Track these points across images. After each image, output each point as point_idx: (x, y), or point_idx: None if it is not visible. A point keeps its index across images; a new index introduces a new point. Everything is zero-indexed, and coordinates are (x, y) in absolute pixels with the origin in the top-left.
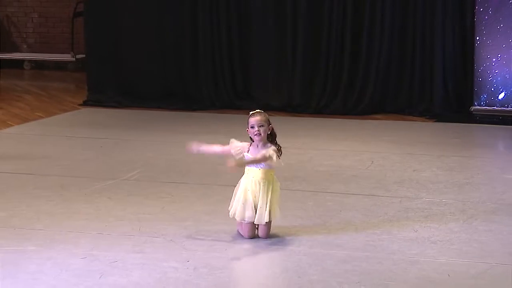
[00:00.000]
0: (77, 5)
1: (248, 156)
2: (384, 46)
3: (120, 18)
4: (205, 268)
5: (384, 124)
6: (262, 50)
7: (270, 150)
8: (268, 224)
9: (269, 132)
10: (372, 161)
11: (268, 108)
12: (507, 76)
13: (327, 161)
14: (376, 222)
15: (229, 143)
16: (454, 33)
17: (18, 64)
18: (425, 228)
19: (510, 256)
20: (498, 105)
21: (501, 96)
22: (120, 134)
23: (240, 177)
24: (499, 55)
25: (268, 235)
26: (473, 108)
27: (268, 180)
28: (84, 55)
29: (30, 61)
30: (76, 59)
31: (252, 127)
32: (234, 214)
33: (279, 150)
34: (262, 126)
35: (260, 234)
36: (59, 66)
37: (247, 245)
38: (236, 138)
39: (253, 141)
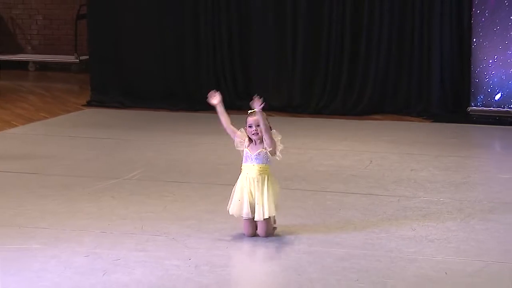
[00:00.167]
0: (81, 7)
1: (247, 151)
2: (382, 48)
3: (122, 21)
4: (207, 266)
5: (382, 124)
6: (262, 51)
7: (278, 137)
8: (267, 221)
9: None
10: (371, 161)
11: (268, 108)
12: (504, 77)
13: (326, 161)
14: (375, 221)
15: (237, 129)
16: (451, 35)
17: (22, 65)
18: (423, 226)
19: (506, 254)
20: (494, 105)
21: (497, 97)
22: (122, 134)
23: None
24: (495, 57)
25: (268, 233)
26: (470, 108)
27: (263, 176)
28: (87, 57)
29: (34, 62)
30: (80, 60)
31: (250, 126)
32: (233, 211)
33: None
34: (259, 125)
35: (259, 232)
36: (63, 67)
37: (247, 243)
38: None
39: (251, 140)
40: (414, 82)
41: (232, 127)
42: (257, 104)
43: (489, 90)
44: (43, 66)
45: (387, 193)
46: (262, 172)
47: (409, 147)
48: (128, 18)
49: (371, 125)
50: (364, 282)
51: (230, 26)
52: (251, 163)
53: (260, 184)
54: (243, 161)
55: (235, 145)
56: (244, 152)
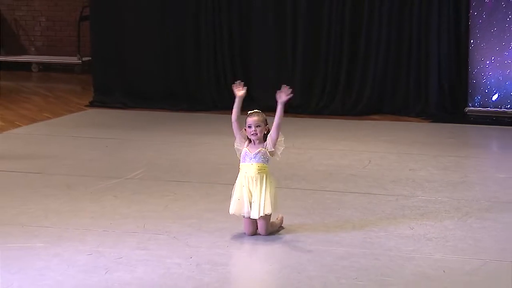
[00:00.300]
0: (83, 9)
1: (246, 150)
2: (381, 49)
3: (124, 22)
4: (208, 264)
5: (381, 124)
6: (263, 51)
7: (281, 137)
8: (266, 219)
9: (265, 132)
10: (370, 161)
11: (268, 108)
12: (501, 78)
13: (326, 160)
14: (374, 220)
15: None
16: (449, 37)
17: (26, 66)
18: (421, 225)
19: (503, 252)
20: (491, 106)
21: (494, 97)
22: (124, 134)
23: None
24: (492, 58)
25: (268, 231)
26: (467, 109)
27: (261, 175)
28: (90, 58)
29: (37, 63)
30: (82, 61)
31: (250, 127)
32: (233, 210)
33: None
34: (259, 126)
35: (259, 230)
36: (66, 68)
37: (248, 242)
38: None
39: (251, 141)
40: (412, 83)
41: (238, 123)
42: (284, 95)
43: (486, 91)
44: (46, 67)
45: (385, 192)
46: (260, 171)
47: (408, 147)
48: (129, 20)
49: (370, 125)
50: (363, 280)
51: (231, 26)
52: (249, 162)
53: (258, 183)
54: (240, 161)
55: (236, 142)
56: (243, 152)
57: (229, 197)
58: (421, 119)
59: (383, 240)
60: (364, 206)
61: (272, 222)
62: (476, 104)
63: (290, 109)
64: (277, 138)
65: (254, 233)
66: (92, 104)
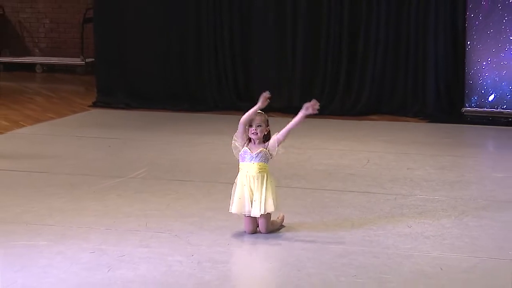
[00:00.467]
0: (87, 11)
1: (246, 149)
2: (379, 50)
3: (127, 24)
4: (209, 262)
5: (380, 124)
6: (263, 52)
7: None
8: (267, 217)
9: (265, 133)
10: (369, 160)
11: (269, 109)
12: (497, 79)
13: (325, 160)
14: (372, 218)
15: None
16: (446, 38)
17: (30, 67)
18: (418, 224)
19: (500, 250)
20: (488, 106)
21: (491, 98)
22: (127, 134)
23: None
24: (489, 59)
25: (268, 229)
26: (464, 109)
27: (262, 174)
28: (93, 59)
29: (41, 64)
30: (86, 62)
31: (251, 126)
32: (234, 208)
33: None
34: (260, 126)
35: (260, 228)
36: (69, 69)
37: (248, 240)
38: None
39: (250, 140)
40: (410, 83)
41: (244, 127)
42: (312, 109)
43: (482, 92)
44: (50, 68)
45: (384, 191)
46: (261, 170)
47: (406, 146)
48: (132, 22)
49: (369, 126)
50: (362, 277)
51: (232, 27)
52: (250, 161)
53: (259, 182)
54: (240, 160)
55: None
56: (242, 151)
57: (229, 196)
58: (419, 119)
59: (382, 238)
60: (363, 205)
61: (273, 220)
62: (472, 105)
63: (290, 109)
64: (283, 141)
65: (255, 231)
66: (95, 105)
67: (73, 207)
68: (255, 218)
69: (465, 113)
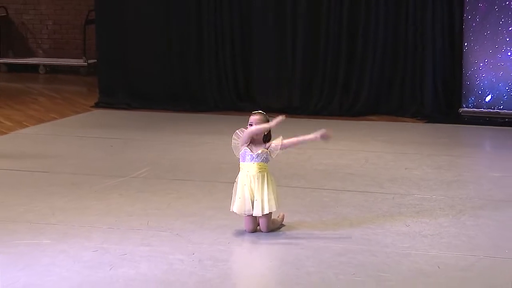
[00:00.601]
0: (89, 13)
1: (247, 149)
2: (377, 52)
3: (128, 25)
4: (210, 261)
5: (378, 125)
6: (263, 52)
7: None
8: (268, 217)
9: (265, 133)
10: (367, 160)
11: (269, 110)
12: (494, 79)
13: (324, 160)
14: (370, 217)
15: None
16: (443, 39)
17: (33, 68)
18: (416, 223)
19: (496, 249)
20: (485, 107)
21: (488, 98)
22: (129, 134)
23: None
24: (486, 60)
25: (269, 228)
26: (461, 110)
27: (262, 174)
28: (95, 60)
29: (44, 65)
30: (88, 63)
31: (250, 125)
32: (235, 209)
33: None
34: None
35: (261, 227)
36: (72, 70)
37: (248, 238)
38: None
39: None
40: (408, 84)
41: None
42: (326, 137)
43: (479, 92)
44: (53, 69)
45: (382, 190)
46: (262, 170)
47: (403, 146)
48: (133, 23)
49: (367, 126)
50: (361, 276)
51: (232, 27)
52: (251, 161)
53: (260, 181)
54: (240, 160)
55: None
56: (243, 151)
57: (230, 195)
58: (417, 120)
59: (380, 237)
60: (361, 204)
61: (274, 219)
62: (470, 105)
63: (290, 110)
64: (284, 149)
65: (255, 230)
66: (97, 105)
67: (75, 206)
68: (255, 217)
69: (462, 114)
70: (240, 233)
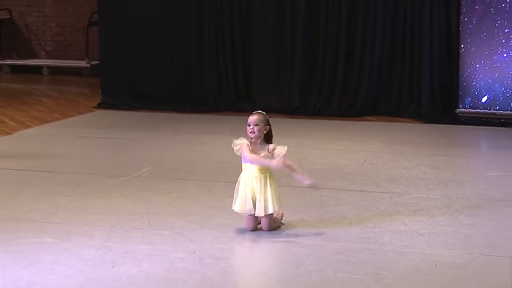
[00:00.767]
0: (92, 15)
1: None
2: (376, 53)
3: (131, 28)
4: (210, 259)
5: (376, 125)
6: (263, 52)
7: (277, 150)
8: (269, 216)
9: (265, 132)
10: (365, 160)
11: (268, 110)
12: (490, 81)
13: (323, 159)
14: (369, 216)
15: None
16: (440, 41)
17: (37, 70)
18: (414, 221)
19: (493, 247)
20: (481, 107)
21: (484, 99)
22: (131, 134)
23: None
24: (482, 62)
25: (270, 227)
26: (458, 110)
27: (264, 174)
28: (98, 62)
29: (48, 67)
30: (91, 65)
31: (249, 125)
32: (237, 208)
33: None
34: (257, 125)
35: (262, 226)
36: (75, 71)
37: (249, 237)
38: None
39: (252, 139)
40: (405, 85)
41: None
42: (313, 189)
43: (476, 93)
44: (56, 71)
45: (380, 190)
46: (263, 171)
47: (401, 146)
48: (135, 26)
49: (365, 126)
50: (359, 273)
51: (232, 27)
52: (252, 163)
53: (262, 182)
54: (242, 161)
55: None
56: (245, 157)
57: (231, 194)
58: (414, 120)
59: (378, 236)
60: (359, 203)
61: (274, 217)
62: (466, 106)
63: (290, 110)
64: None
65: (256, 228)
66: (100, 106)
67: (78, 205)
68: (256, 216)
69: (459, 114)
70: (240, 231)
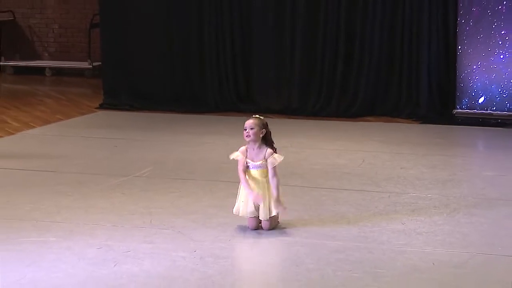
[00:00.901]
0: (94, 17)
1: (248, 160)
2: (374, 54)
3: (132, 29)
4: (211, 258)
5: (374, 125)
6: (263, 52)
7: (271, 158)
8: (270, 218)
9: (261, 136)
10: (364, 160)
11: (268, 111)
12: (487, 82)
13: (322, 159)
14: (367, 215)
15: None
16: (438, 43)
17: (40, 71)
18: (411, 220)
19: (490, 246)
20: (478, 108)
21: (481, 100)
22: (132, 134)
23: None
24: (479, 63)
25: (270, 227)
26: (455, 111)
27: (266, 179)
28: (100, 63)
29: (50, 68)
30: (93, 66)
31: (245, 129)
32: (238, 211)
33: (275, 151)
34: (252, 128)
35: (262, 226)
36: (77, 72)
37: (249, 236)
38: (237, 137)
39: (249, 144)
40: (403, 86)
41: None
42: (280, 212)
43: (473, 94)
44: (58, 72)
45: (378, 189)
46: (264, 176)
47: (399, 146)
48: (136, 27)
49: (364, 126)
50: (358, 272)
51: (232, 28)
52: (253, 169)
53: (264, 187)
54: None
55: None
56: (243, 161)
57: (231, 194)
58: (412, 121)
59: (376, 235)
60: (358, 202)
61: (273, 216)
62: (463, 107)
63: (289, 111)
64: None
65: (257, 227)
66: (102, 107)
67: (80, 205)
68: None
69: (456, 115)
70: (241, 230)
